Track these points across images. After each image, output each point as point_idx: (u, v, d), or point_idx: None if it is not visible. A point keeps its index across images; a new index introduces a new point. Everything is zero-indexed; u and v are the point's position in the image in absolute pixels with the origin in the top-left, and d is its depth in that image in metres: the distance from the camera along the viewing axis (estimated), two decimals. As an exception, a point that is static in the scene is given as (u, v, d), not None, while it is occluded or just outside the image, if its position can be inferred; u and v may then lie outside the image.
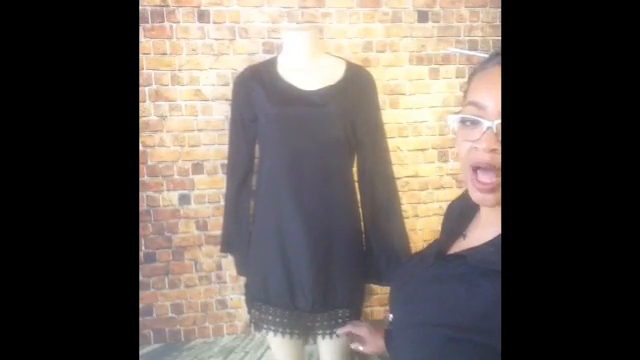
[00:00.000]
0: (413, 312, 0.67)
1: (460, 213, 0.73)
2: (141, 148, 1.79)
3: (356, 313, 1.30)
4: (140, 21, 1.72)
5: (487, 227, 0.64)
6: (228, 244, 1.41)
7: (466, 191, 0.65)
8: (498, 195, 0.59)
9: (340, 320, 1.26)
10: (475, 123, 0.59)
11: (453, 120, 0.62)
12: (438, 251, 0.71)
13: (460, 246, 0.68)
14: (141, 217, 1.81)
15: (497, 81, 0.57)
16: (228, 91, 1.71)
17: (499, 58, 0.59)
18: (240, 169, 1.36)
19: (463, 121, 0.60)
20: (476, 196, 0.62)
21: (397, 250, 1.30)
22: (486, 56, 0.64)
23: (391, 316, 0.75)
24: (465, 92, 0.64)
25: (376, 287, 1.93)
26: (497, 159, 0.57)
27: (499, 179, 0.58)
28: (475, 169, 0.60)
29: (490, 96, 0.58)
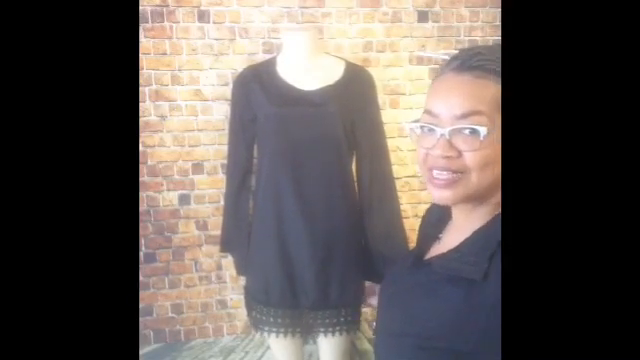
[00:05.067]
0: (387, 321, 0.69)
1: (438, 217, 0.73)
2: (141, 148, 1.79)
3: (357, 311, 1.31)
4: (140, 21, 1.72)
5: (458, 232, 0.63)
6: (227, 243, 1.41)
7: None
8: (455, 192, 0.60)
9: (343, 319, 1.27)
10: (430, 130, 0.60)
11: (412, 128, 0.63)
12: (415, 257, 0.71)
13: (436, 250, 0.68)
14: (141, 217, 1.81)
15: (450, 88, 0.59)
16: (228, 91, 1.70)
17: (454, 64, 0.61)
18: (239, 169, 1.36)
19: (421, 128, 0.62)
20: (434, 194, 0.62)
21: (394, 250, 1.30)
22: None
23: (374, 323, 0.75)
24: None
25: (376, 287, 1.93)
26: (450, 164, 0.59)
27: (454, 176, 0.59)
28: (431, 169, 0.61)
29: (443, 104, 0.59)
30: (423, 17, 1.89)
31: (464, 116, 0.58)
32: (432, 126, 0.60)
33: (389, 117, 1.87)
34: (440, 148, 0.59)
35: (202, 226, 1.87)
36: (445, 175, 0.60)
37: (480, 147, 0.57)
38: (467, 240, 0.60)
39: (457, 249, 0.61)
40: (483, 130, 0.56)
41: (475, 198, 0.61)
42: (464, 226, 0.62)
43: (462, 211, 0.64)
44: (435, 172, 0.61)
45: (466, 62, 0.60)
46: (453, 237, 0.64)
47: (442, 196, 0.61)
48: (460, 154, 0.58)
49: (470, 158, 0.58)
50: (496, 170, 0.58)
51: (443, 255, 0.62)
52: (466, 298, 0.55)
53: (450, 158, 0.59)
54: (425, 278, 0.63)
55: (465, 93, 0.58)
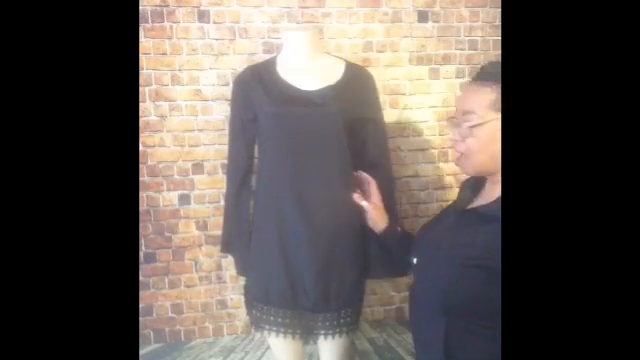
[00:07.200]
0: (436, 251, 0.93)
1: (472, 185, 1.02)
2: (141, 148, 1.79)
3: (357, 313, 1.31)
4: (140, 21, 1.72)
5: (489, 194, 0.92)
6: (228, 244, 1.41)
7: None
8: (464, 165, 0.95)
9: (342, 320, 1.26)
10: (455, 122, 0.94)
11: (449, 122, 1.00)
12: (456, 210, 0.99)
13: (472, 205, 0.96)
14: (141, 217, 1.81)
15: (463, 96, 0.93)
16: (228, 91, 1.70)
17: (474, 75, 0.91)
18: (239, 169, 1.36)
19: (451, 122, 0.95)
20: (456, 164, 0.98)
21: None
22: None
23: (415, 259, 1.00)
24: None
25: (376, 287, 1.93)
26: (457, 146, 0.94)
27: (460, 156, 0.94)
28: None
29: (459, 106, 0.93)
30: (423, 17, 1.89)
31: (464, 113, 0.90)
32: (454, 119, 0.94)
33: (389, 117, 1.87)
34: (454, 134, 0.94)
35: (202, 226, 1.87)
36: (457, 154, 0.94)
37: (471, 135, 0.88)
38: (498, 198, 0.86)
39: (494, 202, 0.87)
40: (470, 124, 0.88)
41: (488, 172, 0.92)
42: (492, 191, 0.91)
43: (490, 181, 0.94)
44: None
45: (477, 74, 0.90)
46: (486, 196, 0.93)
47: (459, 165, 0.96)
48: (463, 140, 0.91)
49: (467, 143, 0.90)
50: (492, 152, 0.86)
51: (487, 205, 0.89)
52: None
53: (457, 141, 0.93)
54: (471, 219, 0.90)
55: (466, 97, 0.91)
